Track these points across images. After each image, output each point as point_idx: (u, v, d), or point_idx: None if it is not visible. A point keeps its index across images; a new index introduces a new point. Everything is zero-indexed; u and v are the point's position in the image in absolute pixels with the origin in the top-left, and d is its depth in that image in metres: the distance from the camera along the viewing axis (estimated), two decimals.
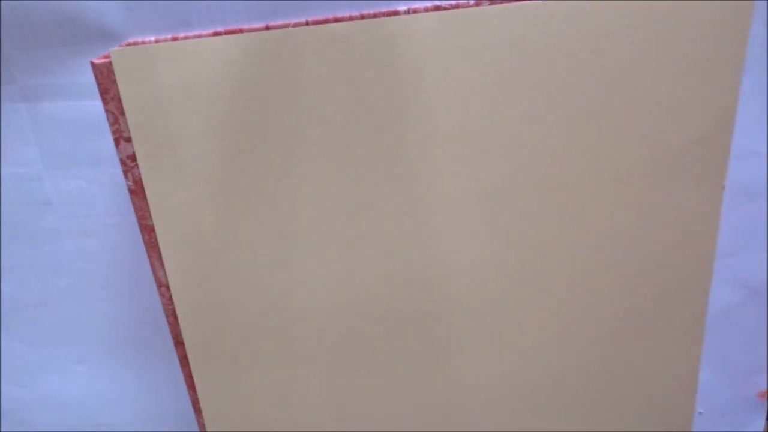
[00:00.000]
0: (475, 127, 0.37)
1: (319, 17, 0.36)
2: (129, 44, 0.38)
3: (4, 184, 0.44)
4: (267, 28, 0.36)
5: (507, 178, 0.38)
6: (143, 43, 0.38)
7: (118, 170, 0.42)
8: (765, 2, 0.38)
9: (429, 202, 0.39)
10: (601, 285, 0.42)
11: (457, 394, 0.46)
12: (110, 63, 0.35)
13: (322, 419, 0.47)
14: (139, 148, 0.37)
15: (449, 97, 0.36)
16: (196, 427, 0.48)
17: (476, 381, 0.45)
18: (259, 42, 0.34)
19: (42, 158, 0.43)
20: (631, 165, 0.38)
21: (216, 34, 0.36)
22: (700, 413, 0.52)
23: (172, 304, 0.42)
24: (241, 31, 0.36)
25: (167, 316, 0.43)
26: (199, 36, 0.36)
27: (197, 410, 0.46)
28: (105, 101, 0.36)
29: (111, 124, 0.37)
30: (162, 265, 0.41)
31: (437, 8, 0.35)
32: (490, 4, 0.34)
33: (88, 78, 0.39)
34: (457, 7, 0.35)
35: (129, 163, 0.38)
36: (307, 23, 0.36)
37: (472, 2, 0.35)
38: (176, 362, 0.47)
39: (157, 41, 0.37)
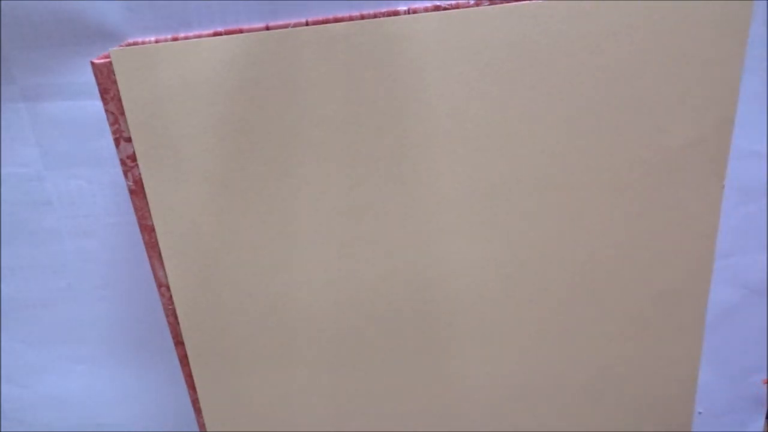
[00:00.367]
0: (475, 127, 0.37)
1: (319, 17, 0.36)
2: (129, 44, 0.38)
3: (4, 184, 0.44)
4: (267, 28, 0.36)
5: (507, 178, 0.38)
6: (143, 43, 0.38)
7: (118, 170, 0.42)
8: (765, 2, 0.38)
9: (429, 202, 0.39)
10: (601, 285, 0.42)
11: (457, 394, 0.46)
12: (110, 63, 0.35)
13: (322, 419, 0.47)
14: (139, 148, 0.37)
15: (449, 97, 0.36)
16: (196, 427, 0.48)
17: (476, 381, 0.45)
18: (259, 42, 0.34)
19: (42, 158, 0.43)
20: (631, 165, 0.38)
21: (216, 34, 0.36)
22: (700, 413, 0.52)
23: (172, 304, 0.42)
24: (241, 31, 0.36)
25: (167, 316, 0.43)
26: (199, 36, 0.36)
27: (197, 410, 0.46)
28: (105, 101, 0.36)
29: (111, 124, 0.37)
30: (162, 265, 0.41)
31: (437, 8, 0.35)
32: (490, 4, 0.34)
33: (88, 78, 0.39)
34: (457, 7, 0.35)
35: (129, 163, 0.38)
36: (307, 23, 0.36)
37: (472, 2, 0.35)
38: (176, 362, 0.47)
39: (157, 41, 0.37)
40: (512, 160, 0.38)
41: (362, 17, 0.36)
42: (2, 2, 0.37)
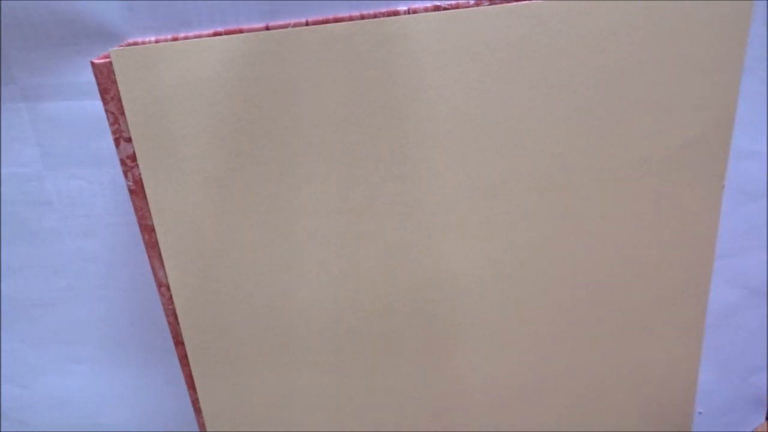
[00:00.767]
0: (475, 127, 0.37)
1: (319, 17, 0.36)
2: (129, 44, 0.38)
3: (4, 184, 0.44)
4: (267, 28, 0.36)
5: (507, 178, 0.38)
6: (143, 43, 0.38)
7: (118, 170, 0.42)
8: (765, 2, 0.38)
9: (429, 202, 0.39)
10: (601, 285, 0.42)
11: (457, 394, 0.46)
12: (110, 63, 0.35)
13: (322, 419, 0.47)
14: (139, 148, 0.37)
15: (449, 97, 0.36)
16: (196, 427, 0.48)
17: (476, 381, 0.45)
18: (259, 42, 0.34)
19: (42, 158, 0.43)
20: (631, 165, 0.38)
21: (216, 34, 0.36)
22: (700, 413, 0.52)
23: (172, 304, 0.42)
24: (241, 31, 0.36)
25: (167, 316, 0.43)
26: (199, 36, 0.36)
27: (197, 410, 0.46)
28: (105, 101, 0.36)
29: (111, 124, 0.37)
30: (162, 265, 0.41)
31: (437, 8, 0.35)
32: (490, 4, 0.34)
33: (88, 78, 0.39)
34: (457, 7, 0.35)
35: (129, 163, 0.38)
36: (307, 23, 0.36)
37: (472, 2, 0.35)
38: (176, 362, 0.47)
39: (157, 41, 0.37)
40: (512, 160, 0.38)
41: (362, 17, 0.36)
42: (2, 2, 0.37)
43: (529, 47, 0.35)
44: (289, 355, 0.44)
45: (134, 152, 0.37)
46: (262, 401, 0.46)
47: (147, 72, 0.35)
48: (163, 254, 0.40)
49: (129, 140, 0.37)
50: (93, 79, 0.36)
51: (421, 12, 0.35)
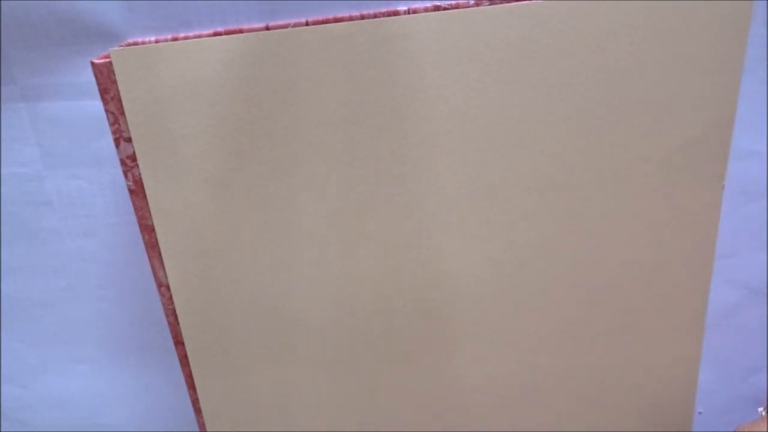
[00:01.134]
0: (475, 127, 0.37)
1: (319, 17, 0.36)
2: (129, 44, 0.38)
3: (4, 184, 0.44)
4: (267, 28, 0.36)
5: (507, 178, 0.38)
6: (143, 43, 0.38)
7: (118, 170, 0.42)
8: (765, 2, 0.38)
9: (429, 202, 0.39)
10: (600, 284, 0.42)
11: (458, 394, 0.46)
12: (110, 63, 0.35)
13: (322, 419, 0.47)
14: (139, 148, 0.37)
15: (449, 97, 0.36)
16: (196, 427, 0.48)
17: (476, 381, 0.45)
18: (259, 42, 0.34)
19: (42, 158, 0.43)
20: (631, 165, 0.38)
21: (216, 34, 0.36)
22: (700, 413, 0.52)
23: (172, 304, 0.42)
24: (241, 31, 0.36)
25: (167, 316, 0.43)
26: (199, 36, 0.36)
27: (197, 410, 0.46)
28: (105, 101, 0.36)
29: (111, 124, 0.37)
30: (162, 265, 0.41)
31: (437, 8, 0.35)
32: (490, 4, 0.34)
33: (88, 78, 0.39)
34: (457, 7, 0.35)
35: (129, 163, 0.38)
36: (307, 23, 0.36)
37: (472, 2, 0.35)
38: (176, 362, 0.47)
39: (157, 41, 0.37)
40: (512, 160, 0.38)
41: (362, 17, 0.36)
42: (2, 2, 0.37)
43: (529, 47, 0.35)
44: (288, 355, 0.44)
45: (134, 152, 0.37)
46: (262, 401, 0.46)
47: (147, 72, 0.35)
48: (163, 254, 0.40)
49: (129, 140, 0.37)
50: (93, 79, 0.36)
51: (421, 12, 0.35)
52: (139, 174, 0.38)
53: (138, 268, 0.46)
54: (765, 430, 0.42)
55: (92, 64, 0.35)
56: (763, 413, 0.51)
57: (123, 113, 0.36)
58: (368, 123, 0.37)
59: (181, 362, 0.44)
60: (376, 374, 0.45)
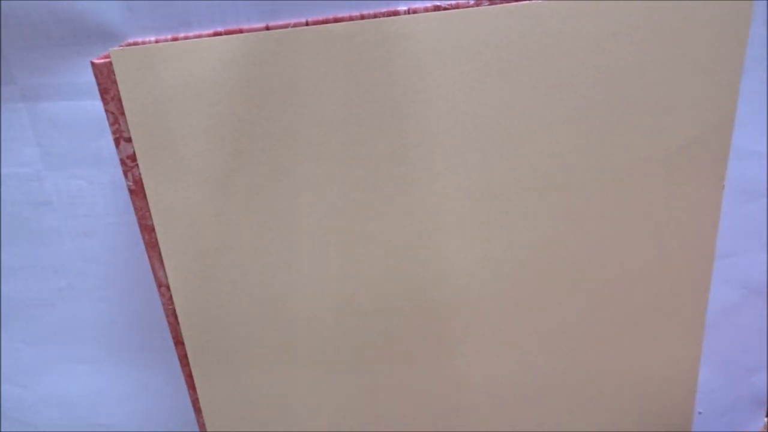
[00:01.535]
0: (475, 127, 0.37)
1: (319, 17, 0.36)
2: (129, 44, 0.38)
3: (4, 184, 0.44)
4: (267, 28, 0.36)
5: (507, 178, 0.38)
6: (143, 43, 0.38)
7: (118, 170, 0.42)
8: (765, 2, 0.38)
9: (429, 202, 0.39)
10: (600, 284, 0.42)
11: (457, 394, 0.46)
12: (110, 63, 0.35)
13: (322, 419, 0.47)
14: (139, 148, 0.37)
15: (449, 97, 0.36)
16: (196, 427, 0.48)
17: (476, 381, 0.45)
18: (259, 42, 0.34)
19: (42, 158, 0.43)
20: (631, 165, 0.38)
21: (216, 34, 0.36)
22: (700, 413, 0.52)
23: (172, 304, 0.42)
24: (241, 31, 0.36)
25: (167, 316, 0.43)
26: (199, 36, 0.36)
27: (197, 410, 0.46)
28: (105, 101, 0.36)
29: (111, 124, 0.37)
30: (162, 265, 0.41)
31: (437, 8, 0.35)
32: (490, 4, 0.34)
33: (88, 78, 0.39)
34: (457, 7, 0.35)
35: (129, 163, 0.38)
36: (307, 23, 0.36)
37: (472, 2, 0.35)
38: (176, 362, 0.47)
39: (157, 41, 0.37)
40: (512, 160, 0.38)
41: (362, 17, 0.36)
42: (2, 2, 0.37)
43: (529, 47, 0.35)
44: (289, 355, 0.44)
45: (134, 152, 0.37)
46: (262, 401, 0.46)
47: (147, 72, 0.35)
48: (163, 254, 0.40)
49: (129, 140, 0.37)
50: (93, 79, 0.36)
51: (421, 12, 0.35)
52: (139, 174, 0.38)
53: (138, 268, 0.46)
54: None
55: (92, 64, 0.35)
56: None
57: (123, 113, 0.36)
58: (368, 123, 0.37)
59: (181, 362, 0.44)
60: (376, 374, 0.45)
